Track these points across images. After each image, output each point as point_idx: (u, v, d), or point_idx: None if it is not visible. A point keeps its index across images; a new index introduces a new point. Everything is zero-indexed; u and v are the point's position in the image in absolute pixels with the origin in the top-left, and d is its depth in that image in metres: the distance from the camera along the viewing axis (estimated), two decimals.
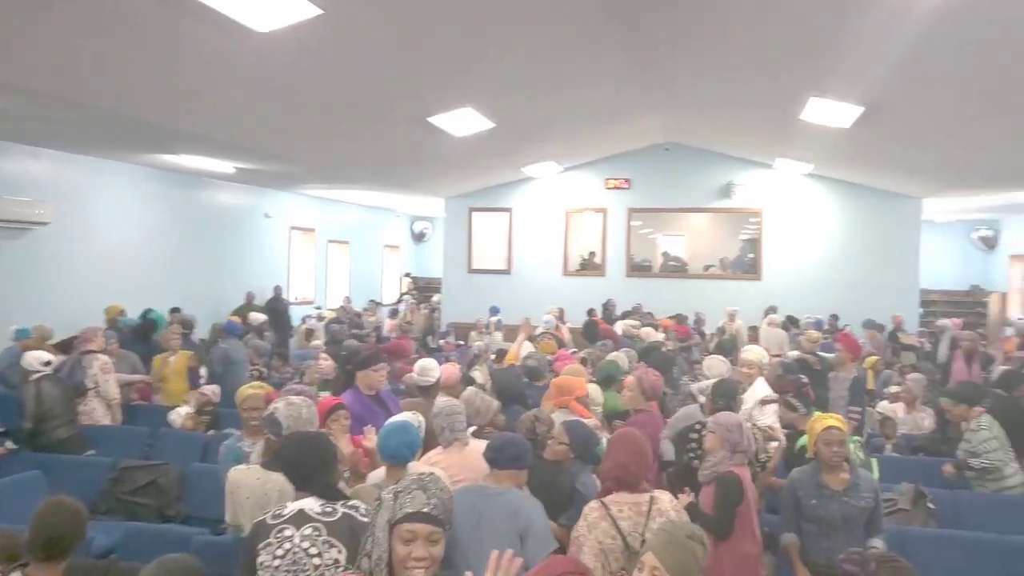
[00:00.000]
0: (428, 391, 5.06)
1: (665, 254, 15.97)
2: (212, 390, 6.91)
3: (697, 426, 4.93)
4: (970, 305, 17.66)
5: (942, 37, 6.08)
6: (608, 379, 5.92)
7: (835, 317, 12.86)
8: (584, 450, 4.05)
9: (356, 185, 14.88)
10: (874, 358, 10.08)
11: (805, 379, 6.08)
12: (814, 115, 8.99)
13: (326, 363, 6.70)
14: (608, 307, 13.05)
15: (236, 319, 10.66)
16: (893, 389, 8.75)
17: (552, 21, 7.13)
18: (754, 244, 14.51)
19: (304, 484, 2.86)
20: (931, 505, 5.24)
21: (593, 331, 8.29)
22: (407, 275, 22.07)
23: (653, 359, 6.15)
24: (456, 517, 3.09)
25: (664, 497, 3.28)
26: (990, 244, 18.15)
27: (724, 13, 6.96)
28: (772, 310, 12.88)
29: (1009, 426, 5.54)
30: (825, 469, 3.83)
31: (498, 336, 13.70)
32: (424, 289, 20.64)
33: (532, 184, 15.23)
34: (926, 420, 7.74)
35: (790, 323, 12.65)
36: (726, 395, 4.92)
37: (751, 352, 6.06)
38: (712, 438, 4.05)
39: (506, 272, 15.49)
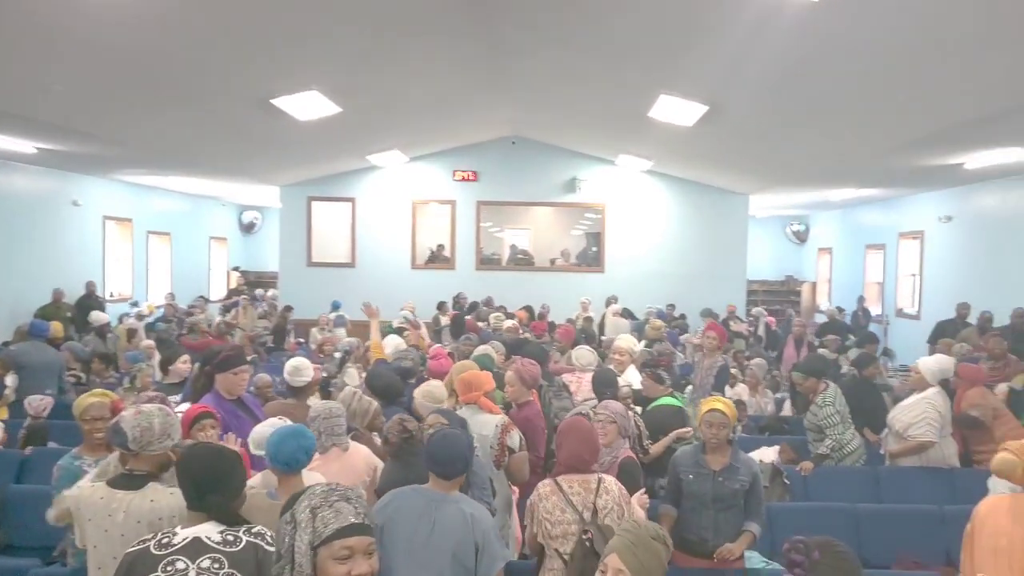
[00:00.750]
0: (301, 392, 4.59)
1: (513, 247, 16.04)
2: (29, 403, 5.94)
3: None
4: (785, 294, 19.22)
5: (775, 45, 6.40)
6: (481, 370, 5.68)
7: (672, 307, 13.44)
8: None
9: (181, 171, 13.64)
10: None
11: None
12: (662, 112, 9.24)
13: (184, 366, 5.94)
14: (459, 300, 12.84)
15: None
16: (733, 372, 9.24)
17: (402, 4, 6.82)
18: (597, 238, 14.87)
19: (201, 505, 2.43)
20: (787, 481, 5.51)
21: (459, 325, 8.02)
22: (236, 269, 20.69)
23: (528, 351, 6.00)
24: (406, 521, 2.91)
25: (609, 479, 3.46)
26: (801, 238, 19.84)
27: (579, 9, 6.93)
28: (613, 300, 13.23)
29: (856, 403, 5.90)
30: (707, 449, 3.90)
31: (341, 332, 13.13)
32: (255, 284, 19.41)
33: (377, 174, 14.70)
34: (769, 404, 8.18)
35: (626, 314, 13.10)
36: (608, 384, 4.85)
37: (623, 340, 6.08)
38: (612, 428, 4.05)
39: (350, 265, 14.86)
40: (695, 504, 3.83)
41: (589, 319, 12.70)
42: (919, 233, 13.42)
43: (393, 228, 14.81)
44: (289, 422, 3.60)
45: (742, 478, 3.83)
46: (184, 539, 2.31)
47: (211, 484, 2.44)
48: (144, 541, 2.33)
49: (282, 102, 8.71)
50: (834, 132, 8.91)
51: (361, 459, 3.99)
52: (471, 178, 14.71)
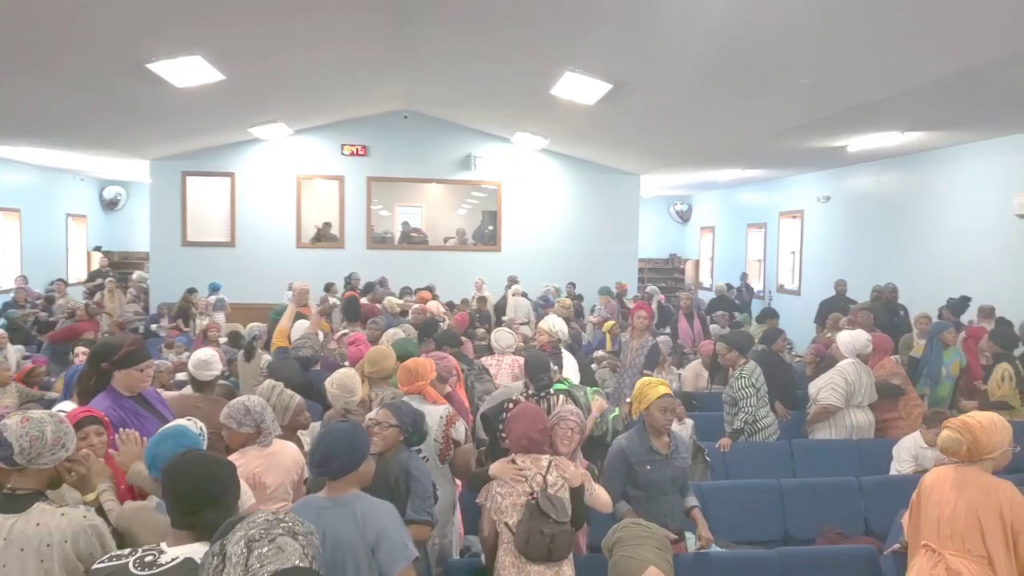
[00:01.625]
0: (207, 387, 4.10)
1: (405, 224, 15.55)
2: None
3: (510, 404, 4.58)
4: (670, 271, 19.76)
5: (680, 25, 6.43)
6: (400, 360, 5.33)
7: (572, 285, 13.44)
8: (414, 429, 3.62)
9: (33, 142, 12.26)
10: (611, 322, 10.64)
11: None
12: (565, 90, 9.09)
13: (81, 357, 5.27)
14: (351, 281, 12.28)
15: None
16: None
17: None
18: (493, 216, 14.65)
19: (191, 522, 2.12)
20: (708, 458, 5.53)
21: (353, 307, 7.56)
22: (98, 249, 19.01)
23: (443, 337, 5.71)
24: None
25: (564, 460, 3.58)
26: (684, 217, 20.41)
27: None
28: (514, 280, 13.09)
29: (769, 379, 6.02)
30: (653, 434, 3.80)
31: (220, 317, 12.31)
32: (120, 265, 17.92)
33: (259, 147, 13.81)
34: (674, 382, 8.25)
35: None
36: (542, 368, 4.63)
37: (546, 322, 5.89)
38: (578, 439, 3.89)
39: (229, 244, 13.94)
40: (653, 492, 3.72)
41: (483, 299, 12.49)
42: (799, 212, 14.04)
43: (276, 205, 13.99)
44: (200, 424, 3.16)
45: (683, 455, 3.84)
46: (173, 559, 2.01)
47: (205, 499, 2.11)
48: (118, 556, 2.03)
49: (160, 67, 7.90)
50: (732, 114, 9.06)
51: (289, 455, 3.59)
52: (361, 153, 14.10)
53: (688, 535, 3.78)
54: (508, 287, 12.80)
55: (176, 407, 3.82)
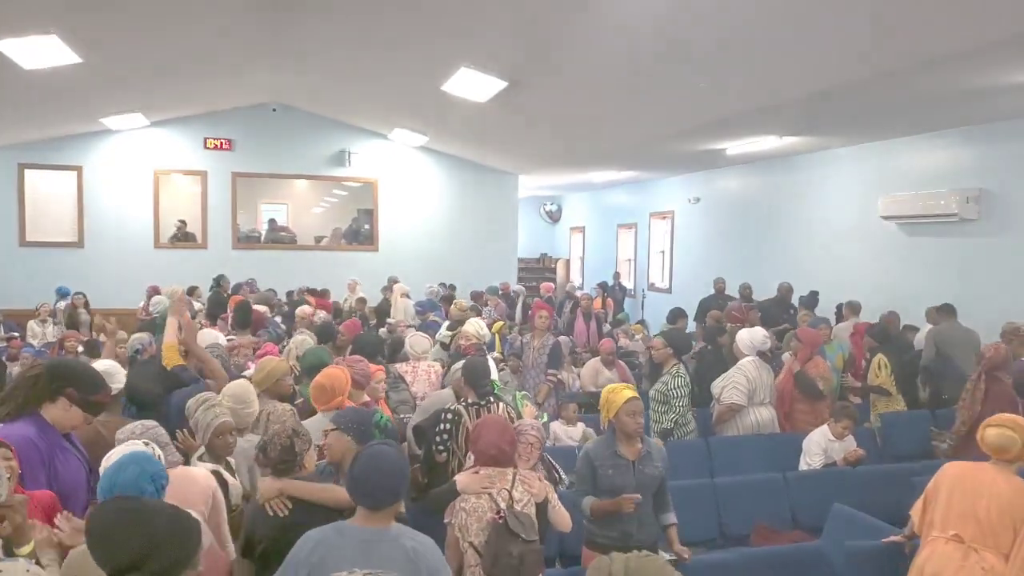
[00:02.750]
0: (112, 405, 3.61)
1: (271, 222, 14.74)
2: None
3: (449, 415, 4.38)
4: (541, 271, 19.98)
5: (577, 25, 6.46)
6: (314, 370, 4.97)
7: (452, 287, 13.24)
8: (364, 434, 3.37)
9: None
10: (500, 323, 10.58)
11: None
12: (458, 86, 8.91)
13: None
14: (221, 283, 11.45)
15: None
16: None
17: None
18: (369, 214, 14.19)
19: None
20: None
21: (245, 313, 6.97)
22: None
23: (362, 344, 5.38)
24: (340, 570, 2.26)
25: (529, 473, 3.51)
26: (554, 217, 20.74)
27: None
28: (395, 280, 12.73)
29: (713, 375, 6.13)
30: (621, 439, 3.72)
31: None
32: None
33: (112, 139, 12.61)
34: (576, 380, 8.29)
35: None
36: (483, 374, 4.44)
37: (471, 325, 5.70)
38: (536, 454, 3.70)
39: (77, 245, 12.65)
40: (616, 498, 3.62)
41: (363, 300, 12.07)
42: (669, 213, 14.60)
43: (131, 202, 12.83)
44: (147, 445, 2.77)
45: (657, 463, 3.72)
46: None
47: (137, 559, 1.77)
48: None
49: (7, 45, 6.99)
50: (623, 117, 9.24)
51: (197, 482, 3.14)
52: (225, 147, 13.21)
53: (661, 553, 3.71)
54: (388, 287, 12.44)
55: (85, 438, 3.32)
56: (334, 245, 14.25)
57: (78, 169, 12.56)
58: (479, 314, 11.90)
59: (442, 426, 4.35)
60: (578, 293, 13.59)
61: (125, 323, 12.06)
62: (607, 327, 11.39)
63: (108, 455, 2.70)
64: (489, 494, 3.29)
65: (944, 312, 7.70)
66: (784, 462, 5.55)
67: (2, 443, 2.64)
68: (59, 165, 12.47)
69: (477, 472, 3.39)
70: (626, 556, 1.97)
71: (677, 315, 9.20)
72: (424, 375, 5.63)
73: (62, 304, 11.45)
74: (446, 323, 9.18)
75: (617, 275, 15.91)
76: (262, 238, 14.21)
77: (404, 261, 13.69)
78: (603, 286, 14.54)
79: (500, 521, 3.17)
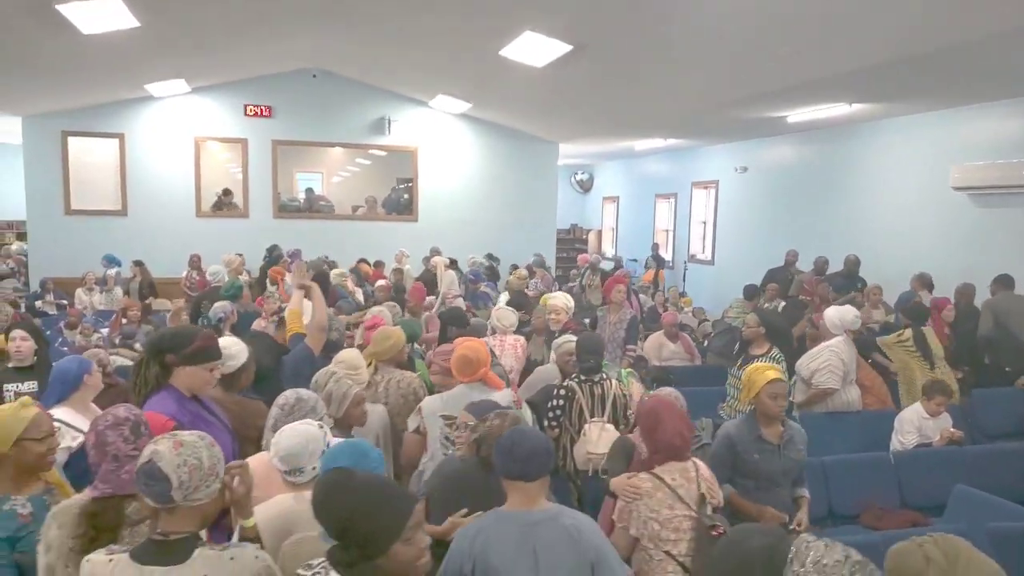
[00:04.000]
0: (233, 382, 3.51)
1: (309, 191, 14.60)
2: None
3: (562, 391, 4.29)
4: (571, 242, 19.81)
5: None
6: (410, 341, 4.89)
7: (496, 259, 13.15)
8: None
9: None
10: (547, 295, 10.48)
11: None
12: (518, 52, 8.71)
13: (25, 344, 4.42)
14: (274, 253, 11.36)
15: None
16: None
17: None
18: (408, 183, 14.03)
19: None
20: None
21: (324, 286, 6.86)
22: None
23: (448, 316, 5.29)
24: (502, 560, 2.37)
25: (699, 462, 3.18)
26: (586, 187, 20.51)
27: None
28: (437, 251, 12.61)
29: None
30: (764, 422, 3.60)
31: (119, 292, 11.13)
32: None
33: (153, 105, 12.46)
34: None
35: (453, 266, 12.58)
36: (594, 350, 4.34)
37: (558, 298, 5.58)
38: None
39: (120, 213, 12.58)
40: (763, 483, 3.51)
41: (400, 272, 11.93)
42: (713, 183, 14.37)
43: (173, 170, 12.72)
44: (320, 427, 2.69)
45: (799, 446, 3.59)
46: None
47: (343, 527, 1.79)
48: None
49: (70, 8, 6.84)
50: (687, 83, 9.01)
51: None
52: (265, 114, 13.04)
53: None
54: (429, 258, 12.30)
55: (220, 406, 3.25)
56: (373, 215, 14.11)
57: (120, 136, 12.44)
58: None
59: (555, 401, 4.28)
60: (603, 264, 13.53)
61: (169, 292, 12.16)
62: (659, 297, 11.25)
63: (281, 430, 2.62)
64: (679, 496, 2.96)
65: (1000, 283, 7.58)
66: (870, 440, 5.46)
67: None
68: (102, 132, 12.35)
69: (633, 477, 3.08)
70: (935, 540, 1.80)
71: (753, 292, 8.98)
72: (511, 349, 5.53)
73: (112, 271, 11.42)
74: (503, 295, 9.11)
75: (656, 246, 15.73)
76: (300, 207, 14.08)
77: (443, 231, 13.54)
78: (656, 257, 14.38)
79: (714, 534, 2.89)
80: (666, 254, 15.95)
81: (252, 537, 2.15)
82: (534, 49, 8.55)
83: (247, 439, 3.30)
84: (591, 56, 8.56)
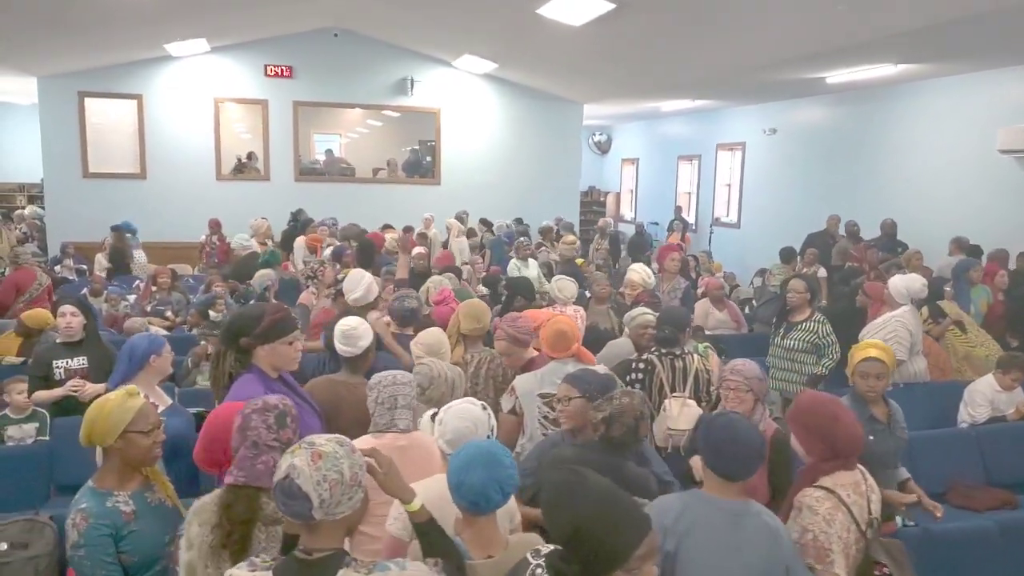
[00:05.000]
0: (357, 365, 3.36)
1: (328, 153, 14.32)
2: None
3: (641, 364, 4.15)
4: (589, 204, 19.55)
5: None
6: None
7: (520, 221, 12.95)
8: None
9: None
10: (581, 260, 10.30)
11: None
12: (556, 10, 8.42)
13: (75, 320, 4.28)
14: (299, 218, 11.16)
15: None
16: None
17: None
18: (430, 146, 13.76)
19: None
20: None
21: (368, 252, 6.69)
22: None
23: (518, 286, 5.12)
24: (706, 544, 2.25)
25: (867, 472, 2.68)
26: (604, 148, 20.18)
27: None
28: (463, 215, 12.41)
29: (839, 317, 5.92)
30: (870, 401, 3.44)
31: (142, 257, 10.94)
32: None
33: (171, 65, 12.17)
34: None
35: (484, 225, 12.42)
36: (676, 324, 4.17)
37: (635, 272, 5.41)
38: (750, 398, 3.31)
39: (139, 176, 12.36)
40: (876, 466, 3.31)
41: (424, 237, 11.71)
42: (739, 144, 14.08)
43: (192, 132, 12.47)
44: (484, 409, 2.58)
45: (903, 424, 3.46)
46: None
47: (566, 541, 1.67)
48: None
49: None
50: (731, 41, 8.72)
51: (434, 450, 2.77)
52: (286, 74, 12.74)
53: (896, 517, 3.49)
54: (456, 222, 12.07)
55: (317, 394, 3.10)
56: (394, 178, 13.86)
57: (138, 98, 12.17)
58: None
59: (633, 375, 4.13)
60: (610, 229, 13.30)
61: (187, 256, 11.99)
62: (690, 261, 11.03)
63: (447, 411, 2.51)
64: (853, 517, 2.52)
65: None
66: (938, 413, 5.32)
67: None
68: (119, 93, 12.09)
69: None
70: None
71: (791, 255, 8.79)
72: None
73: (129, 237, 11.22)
74: (532, 262, 8.82)
75: (679, 209, 15.51)
76: (322, 170, 13.83)
77: (466, 195, 13.33)
78: (681, 220, 14.15)
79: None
80: (688, 217, 15.73)
81: (425, 519, 2.00)
82: (574, 7, 8.25)
83: (357, 422, 3.08)
84: (632, 14, 8.26)
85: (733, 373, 3.37)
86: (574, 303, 5.56)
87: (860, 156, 11.07)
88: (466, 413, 2.51)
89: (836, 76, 9.74)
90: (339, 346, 3.29)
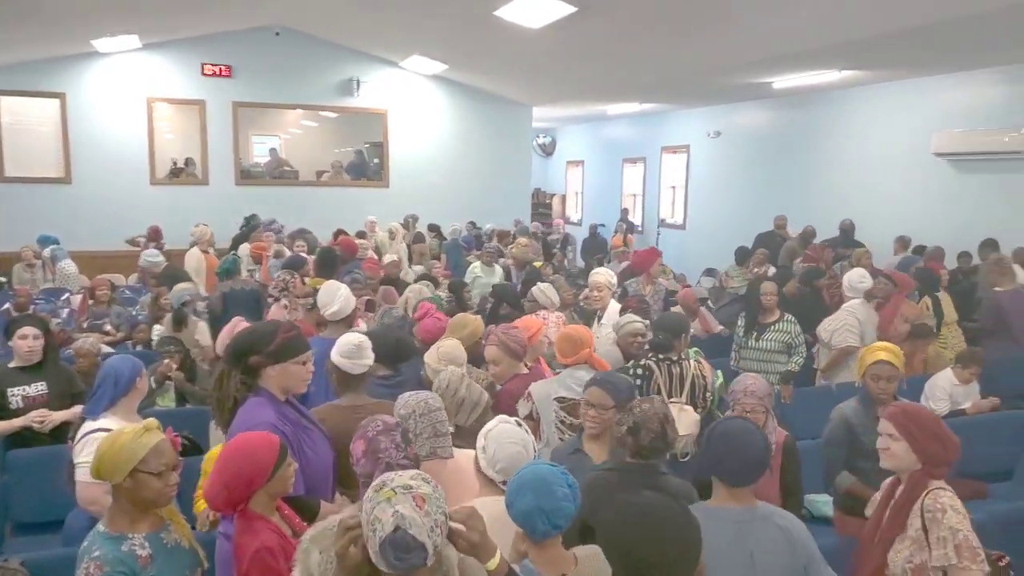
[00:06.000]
0: (359, 383, 3.11)
1: (272, 152, 13.77)
2: None
3: (639, 370, 4.04)
4: (535, 206, 19.46)
5: None
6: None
7: (473, 224, 12.74)
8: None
9: None
10: (539, 263, 10.18)
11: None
12: (515, 12, 8.27)
13: (37, 343, 3.85)
14: (253, 223, 10.62)
15: None
16: None
17: None
18: (379, 148, 13.40)
19: None
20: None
21: (329, 262, 6.33)
22: None
23: (503, 292, 4.92)
24: (717, 556, 2.16)
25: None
26: (548, 151, 20.15)
27: None
28: (414, 218, 12.12)
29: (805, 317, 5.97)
30: (880, 403, 3.42)
31: (68, 266, 10.19)
32: None
33: (99, 63, 11.48)
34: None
35: (431, 231, 12.16)
36: (672, 330, 4.08)
37: (601, 275, 5.29)
38: (763, 418, 3.30)
39: (63, 181, 11.60)
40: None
41: (362, 234, 11.32)
42: (684, 147, 14.22)
43: (123, 133, 11.79)
44: (519, 425, 2.42)
45: None
46: None
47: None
48: None
49: None
50: (681, 47, 8.77)
51: (472, 474, 2.63)
52: (224, 73, 12.20)
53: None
54: (406, 226, 11.78)
55: (328, 421, 2.83)
56: (340, 180, 13.45)
57: (61, 96, 11.43)
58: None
59: (631, 381, 4.00)
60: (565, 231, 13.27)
61: (120, 265, 11.34)
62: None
63: (492, 437, 2.32)
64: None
65: (988, 247, 7.87)
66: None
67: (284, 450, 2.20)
68: (39, 92, 11.32)
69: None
70: None
71: (745, 255, 8.88)
72: (555, 326, 5.19)
73: (47, 252, 10.45)
74: (476, 263, 8.53)
75: (625, 211, 15.58)
76: (263, 173, 13.28)
77: (416, 197, 13.05)
78: (627, 221, 14.17)
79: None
80: (635, 219, 15.82)
81: (504, 573, 1.80)
82: (534, 9, 8.12)
83: None
84: (592, 17, 8.18)
85: (747, 395, 3.34)
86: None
87: (803, 158, 11.34)
88: (512, 435, 2.34)
89: (783, 81, 9.93)
90: (344, 363, 3.00)
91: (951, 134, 8.88)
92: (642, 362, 4.09)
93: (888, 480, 2.72)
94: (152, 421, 2.22)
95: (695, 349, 4.62)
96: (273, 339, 2.58)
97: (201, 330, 5.70)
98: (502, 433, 2.34)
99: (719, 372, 4.45)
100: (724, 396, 4.33)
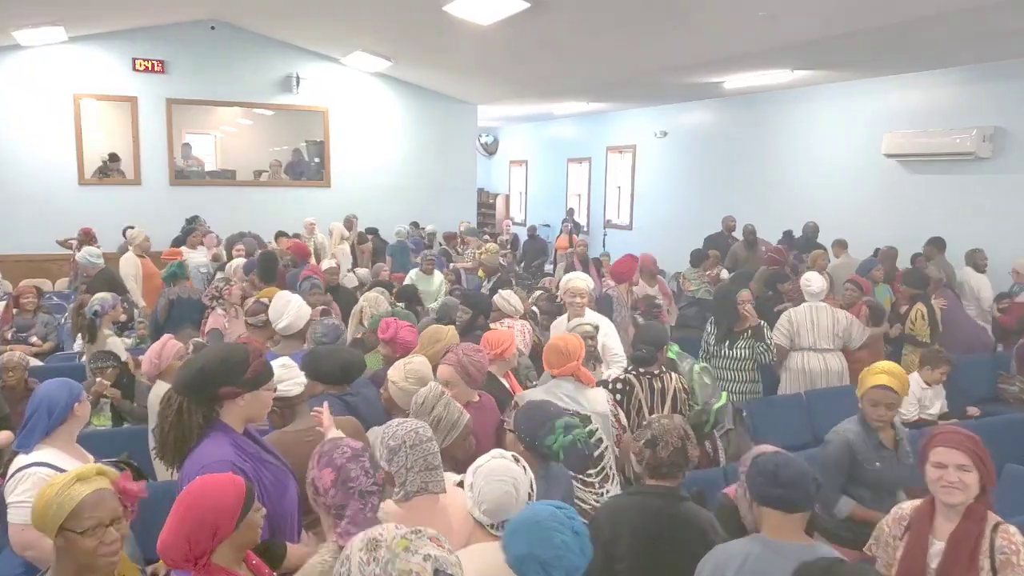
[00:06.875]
0: (297, 407, 2.88)
1: (186, 147, 13.15)
2: None
3: (619, 384, 3.92)
4: (479, 206, 19.28)
5: None
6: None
7: (422, 229, 12.49)
8: (536, 448, 2.69)
9: None
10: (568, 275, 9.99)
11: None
12: (465, 8, 8.08)
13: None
14: (196, 225, 10.16)
15: None
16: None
17: None
18: (320, 147, 13.02)
19: None
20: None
21: (271, 268, 6.01)
22: None
23: (476, 302, 4.73)
24: None
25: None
26: (490, 150, 19.99)
27: None
28: (352, 219, 11.74)
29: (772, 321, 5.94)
30: (876, 427, 3.34)
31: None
32: None
33: (19, 56, 10.81)
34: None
35: (369, 233, 11.89)
36: (654, 342, 3.97)
37: (580, 280, 5.13)
38: None
39: None
40: (882, 493, 3.28)
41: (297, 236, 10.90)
42: (630, 147, 14.25)
43: (47, 131, 11.13)
44: (516, 461, 2.24)
45: (909, 449, 3.35)
46: None
47: None
48: None
49: None
50: (633, 46, 8.71)
51: (463, 513, 2.36)
52: (157, 69, 11.65)
53: None
54: (347, 228, 11.41)
55: (284, 451, 2.58)
56: (279, 180, 13.03)
57: None
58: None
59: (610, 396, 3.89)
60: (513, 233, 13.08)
61: (45, 270, 10.74)
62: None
63: (480, 475, 2.14)
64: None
65: (934, 245, 8.09)
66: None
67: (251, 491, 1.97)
68: None
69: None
70: None
71: (700, 258, 8.87)
72: (519, 335, 5.06)
73: None
74: (414, 271, 8.28)
75: (571, 211, 15.54)
76: (200, 172, 12.75)
77: (359, 198, 12.73)
78: (572, 222, 14.08)
79: None
80: (580, 219, 15.80)
81: None
82: (485, 5, 7.95)
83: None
84: (544, 14, 8.06)
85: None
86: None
87: (752, 159, 11.43)
88: (501, 472, 2.14)
89: (734, 81, 9.98)
90: (285, 388, 2.75)
91: (902, 135, 8.99)
92: (621, 376, 3.98)
93: (904, 508, 2.59)
94: (87, 469, 1.94)
95: (703, 364, 4.37)
96: (247, 366, 2.34)
97: (113, 344, 5.26)
98: (492, 470, 2.15)
99: (723, 394, 4.21)
100: (722, 419, 4.17)
